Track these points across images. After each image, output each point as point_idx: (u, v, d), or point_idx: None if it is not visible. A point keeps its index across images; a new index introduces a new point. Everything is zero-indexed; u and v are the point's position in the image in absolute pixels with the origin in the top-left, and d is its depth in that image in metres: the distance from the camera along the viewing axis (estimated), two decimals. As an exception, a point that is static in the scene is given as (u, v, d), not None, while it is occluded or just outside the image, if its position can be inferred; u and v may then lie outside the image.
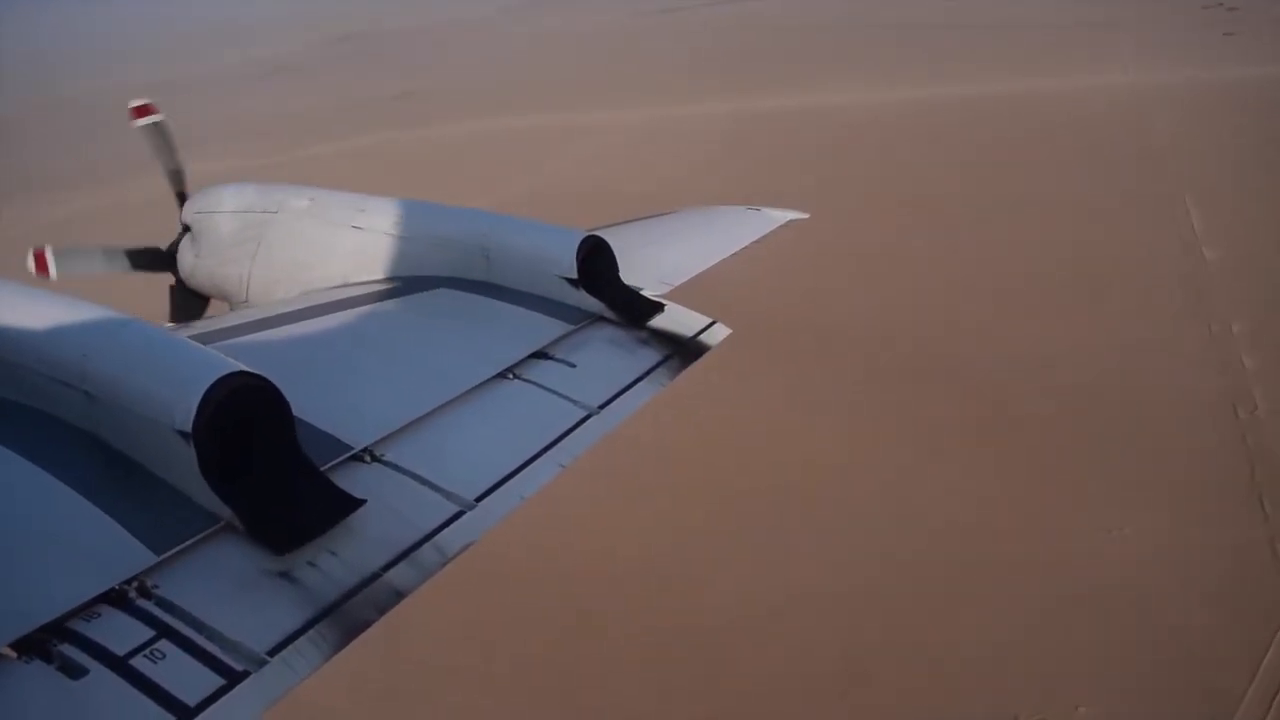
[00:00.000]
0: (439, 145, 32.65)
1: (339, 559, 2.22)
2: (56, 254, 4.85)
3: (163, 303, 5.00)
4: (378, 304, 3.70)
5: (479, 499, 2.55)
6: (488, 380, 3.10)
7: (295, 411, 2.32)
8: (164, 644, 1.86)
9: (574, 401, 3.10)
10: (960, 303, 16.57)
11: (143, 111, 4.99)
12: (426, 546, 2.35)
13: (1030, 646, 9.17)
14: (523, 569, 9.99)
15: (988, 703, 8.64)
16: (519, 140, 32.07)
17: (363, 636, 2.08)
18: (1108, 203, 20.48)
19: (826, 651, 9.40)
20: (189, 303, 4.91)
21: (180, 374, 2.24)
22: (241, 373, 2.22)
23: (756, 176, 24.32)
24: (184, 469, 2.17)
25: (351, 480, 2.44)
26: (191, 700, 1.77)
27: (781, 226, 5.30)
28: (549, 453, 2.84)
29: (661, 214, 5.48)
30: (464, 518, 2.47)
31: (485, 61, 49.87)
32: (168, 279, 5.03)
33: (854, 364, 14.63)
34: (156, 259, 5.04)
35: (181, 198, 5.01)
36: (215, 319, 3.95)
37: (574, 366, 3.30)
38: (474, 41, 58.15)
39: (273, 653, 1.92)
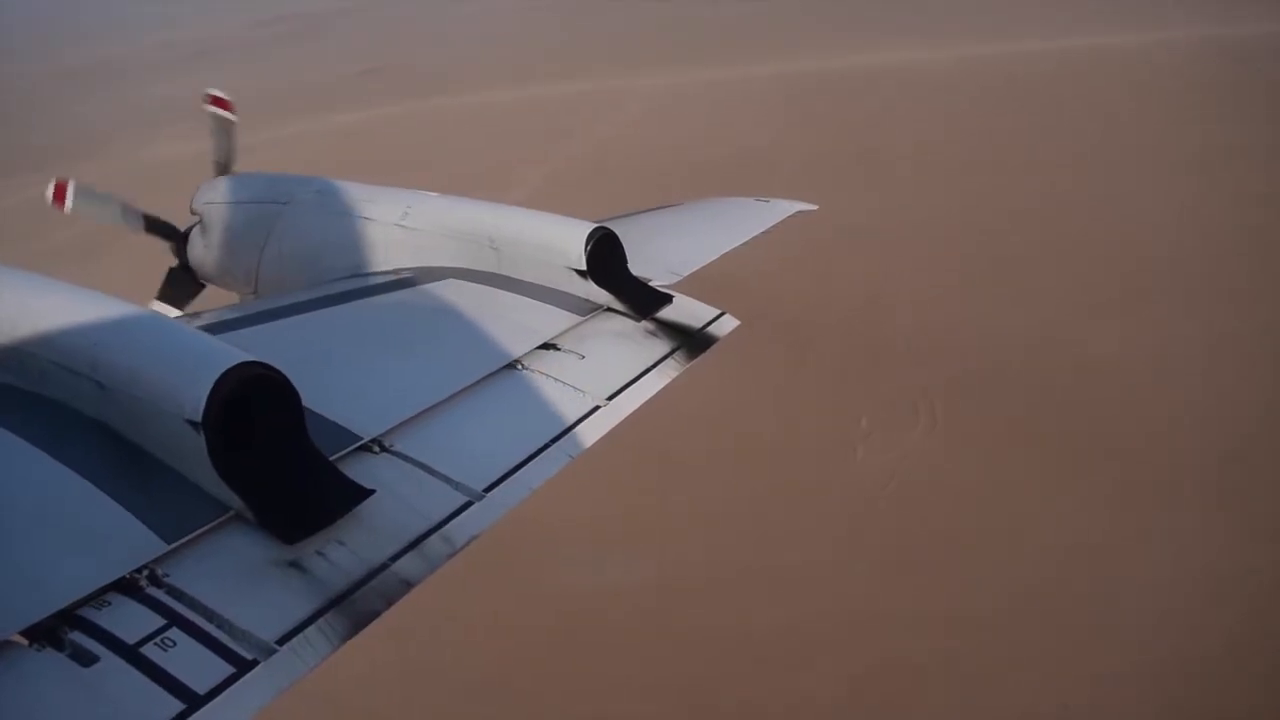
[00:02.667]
0: (440, 119, 29.61)
1: (348, 549, 2.20)
2: (78, 190, 4.77)
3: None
4: (386, 295, 3.67)
5: (488, 489, 2.53)
6: (496, 371, 3.08)
7: (305, 402, 2.31)
8: (174, 632, 1.85)
9: (583, 392, 3.07)
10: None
11: (221, 103, 4.91)
12: (435, 537, 2.33)
13: None
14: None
15: None
16: (534, 110, 29.23)
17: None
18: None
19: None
20: (183, 287, 4.90)
21: (190, 364, 2.23)
22: (251, 363, 2.21)
23: (841, 139, 22.03)
24: (194, 458, 2.16)
25: (360, 470, 2.42)
26: (201, 688, 1.76)
27: (790, 216, 5.18)
28: (558, 443, 2.81)
29: (670, 205, 5.41)
30: (472, 508, 2.46)
31: (447, 37, 45.63)
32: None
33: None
34: (169, 232, 5.00)
35: None
36: (224, 309, 3.82)
37: (583, 358, 3.27)
38: (418, 20, 53.11)
39: (282, 642, 1.92)
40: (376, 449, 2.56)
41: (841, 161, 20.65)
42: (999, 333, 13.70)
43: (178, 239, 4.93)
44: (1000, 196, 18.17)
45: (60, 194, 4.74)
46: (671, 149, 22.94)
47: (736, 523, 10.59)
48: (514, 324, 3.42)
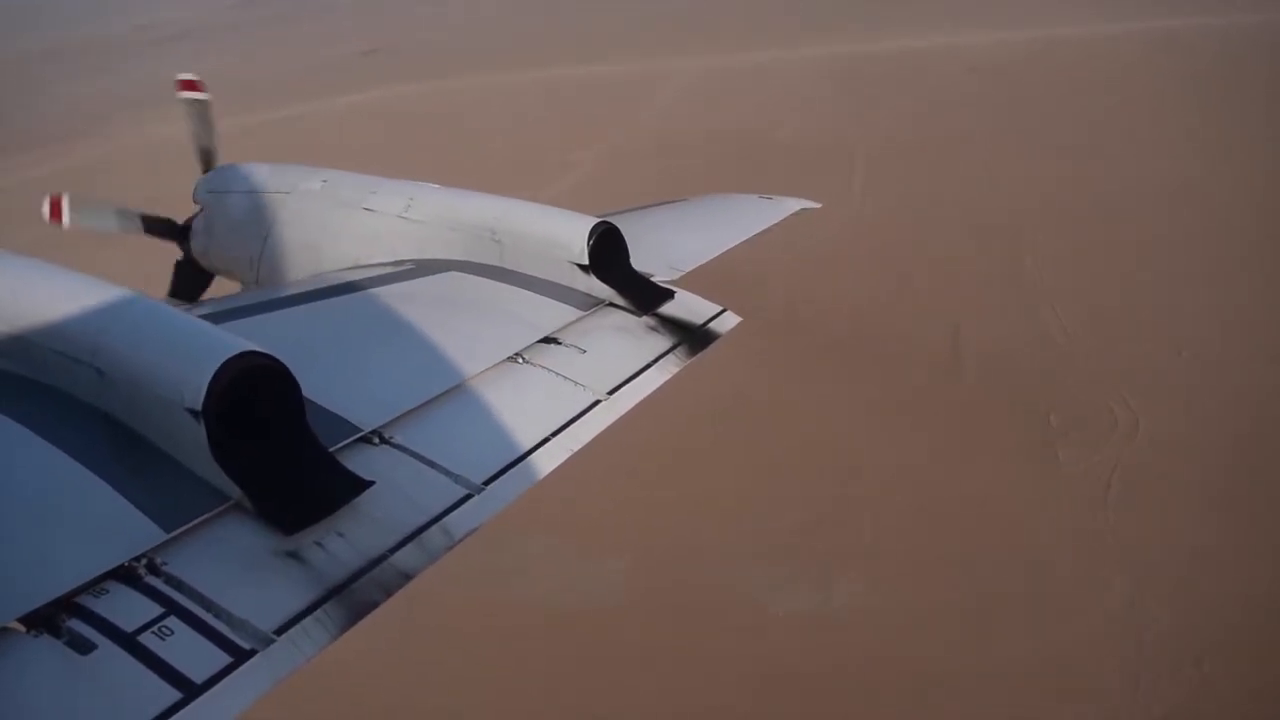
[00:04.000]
0: (458, 99, 28.51)
1: (346, 540, 2.19)
2: (73, 203, 4.75)
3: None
4: (388, 286, 3.64)
5: (487, 483, 2.52)
6: (497, 364, 3.07)
7: (305, 392, 2.29)
8: (172, 621, 1.84)
9: (583, 387, 3.06)
10: None
11: (190, 85, 4.88)
12: (434, 529, 2.32)
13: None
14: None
15: None
16: (563, 90, 27.93)
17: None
18: None
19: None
20: (192, 280, 4.86)
21: (191, 353, 2.21)
22: (252, 353, 2.20)
23: (908, 124, 20.85)
24: (194, 447, 2.15)
25: (360, 462, 2.41)
26: (198, 677, 1.75)
27: (793, 214, 5.15)
28: (557, 438, 2.79)
29: (673, 200, 5.41)
30: (471, 501, 2.44)
31: (438, 19, 43.90)
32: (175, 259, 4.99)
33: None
34: (170, 229, 4.95)
35: None
36: (226, 299, 3.88)
37: (584, 352, 3.26)
38: (398, 3, 50.61)
39: (279, 632, 1.90)
40: (376, 440, 2.55)
41: (917, 147, 19.38)
42: (1171, 319, 12.22)
43: (179, 234, 4.88)
44: (1112, 177, 16.79)
45: (56, 209, 4.69)
46: (725, 132, 21.62)
47: (945, 539, 8.99)
48: (515, 317, 3.42)
